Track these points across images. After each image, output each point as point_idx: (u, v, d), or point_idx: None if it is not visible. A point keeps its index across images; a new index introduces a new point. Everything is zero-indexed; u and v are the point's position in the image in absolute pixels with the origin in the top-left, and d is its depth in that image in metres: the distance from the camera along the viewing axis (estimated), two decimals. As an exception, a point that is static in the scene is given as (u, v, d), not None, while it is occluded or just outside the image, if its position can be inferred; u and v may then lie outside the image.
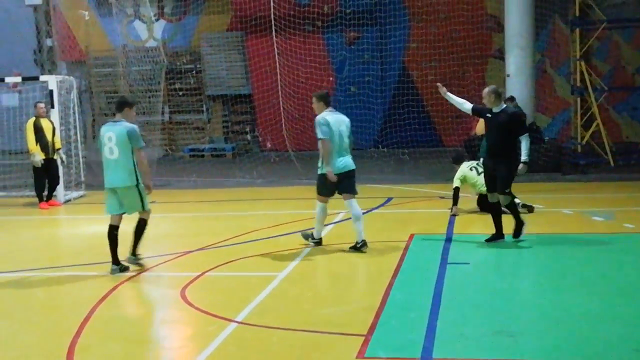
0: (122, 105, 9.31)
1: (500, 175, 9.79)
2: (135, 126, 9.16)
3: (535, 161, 16.62)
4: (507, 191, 9.84)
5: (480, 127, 12.26)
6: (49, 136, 14.77)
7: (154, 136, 19.93)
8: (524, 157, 9.72)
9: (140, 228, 9.32)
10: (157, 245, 10.72)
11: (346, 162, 9.74)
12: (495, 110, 9.88)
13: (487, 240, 10.02)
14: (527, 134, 9.84)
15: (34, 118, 14.99)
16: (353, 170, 9.83)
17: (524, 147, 9.71)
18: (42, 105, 15.15)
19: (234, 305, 7.47)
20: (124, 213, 9.25)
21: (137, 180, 9.11)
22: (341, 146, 9.70)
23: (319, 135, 9.62)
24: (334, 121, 9.69)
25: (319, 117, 9.71)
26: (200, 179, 17.87)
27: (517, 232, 10.03)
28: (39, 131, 14.69)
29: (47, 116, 15.04)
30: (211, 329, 6.84)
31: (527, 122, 17.06)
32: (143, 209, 9.25)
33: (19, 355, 6.47)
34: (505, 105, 10.08)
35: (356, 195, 9.85)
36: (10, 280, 9.17)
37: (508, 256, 9.70)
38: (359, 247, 9.72)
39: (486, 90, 9.97)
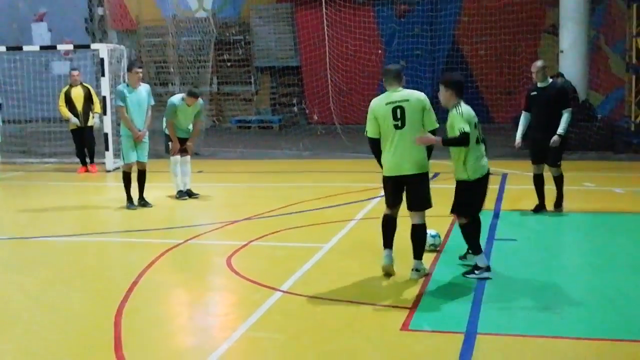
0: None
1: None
2: (119, 87, 11.30)
3: (588, 139, 16.32)
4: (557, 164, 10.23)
5: None
6: (79, 106, 15.11)
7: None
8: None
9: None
10: (204, 214, 10.83)
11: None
12: (542, 85, 10.18)
13: (533, 210, 10.32)
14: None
15: (67, 87, 15.29)
16: None
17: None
18: (75, 72, 15.43)
19: (279, 275, 7.51)
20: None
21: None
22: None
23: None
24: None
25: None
26: (247, 150, 17.94)
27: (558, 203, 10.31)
28: (69, 101, 15.07)
29: (80, 84, 15.29)
30: (256, 297, 6.89)
31: (580, 99, 16.75)
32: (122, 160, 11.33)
33: (72, 317, 6.63)
34: (551, 80, 10.42)
35: None
36: (64, 245, 9.38)
37: (556, 233, 9.56)
38: None
39: (538, 64, 10.29)
